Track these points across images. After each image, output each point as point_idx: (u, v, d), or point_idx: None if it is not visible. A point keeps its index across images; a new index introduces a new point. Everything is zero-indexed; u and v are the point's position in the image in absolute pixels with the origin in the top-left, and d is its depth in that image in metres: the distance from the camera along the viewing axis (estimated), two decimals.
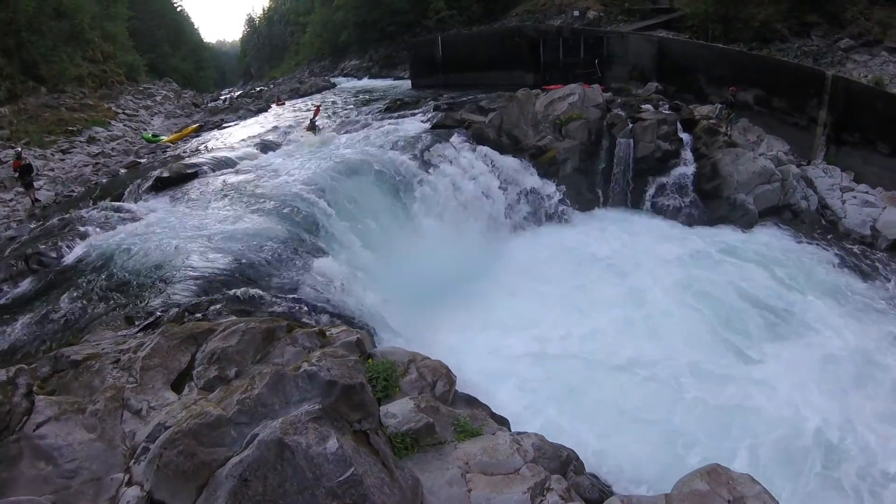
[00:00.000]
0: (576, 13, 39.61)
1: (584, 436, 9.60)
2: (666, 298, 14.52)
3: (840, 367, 12.09)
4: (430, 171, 17.35)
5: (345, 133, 21.93)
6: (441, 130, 20.29)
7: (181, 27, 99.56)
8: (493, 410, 7.99)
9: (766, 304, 14.40)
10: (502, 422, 7.72)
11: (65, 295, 9.70)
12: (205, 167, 17.16)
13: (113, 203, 14.51)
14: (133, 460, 4.88)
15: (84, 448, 4.97)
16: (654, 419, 10.45)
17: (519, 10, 46.73)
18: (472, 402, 7.75)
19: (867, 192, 19.89)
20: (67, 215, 13.71)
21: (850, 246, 17.87)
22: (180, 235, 11.60)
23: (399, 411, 5.83)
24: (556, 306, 13.97)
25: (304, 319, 9.02)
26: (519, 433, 6.78)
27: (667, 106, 23.29)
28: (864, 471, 9.66)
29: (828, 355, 12.48)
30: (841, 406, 10.98)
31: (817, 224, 19.28)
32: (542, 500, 5.35)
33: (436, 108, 24.70)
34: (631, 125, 20.85)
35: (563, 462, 6.53)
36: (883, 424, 10.58)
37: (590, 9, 39.38)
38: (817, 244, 17.95)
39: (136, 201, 14.90)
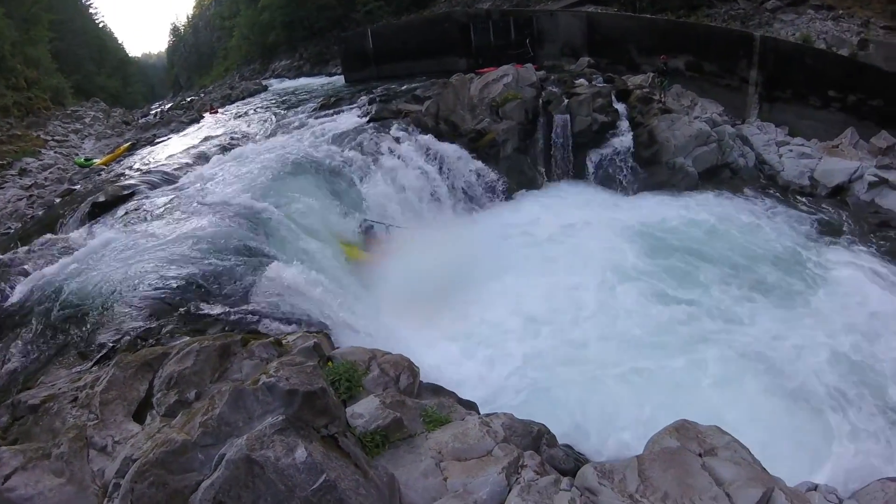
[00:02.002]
0: None
1: (556, 408, 9.76)
2: (630, 265, 14.92)
3: None
4: (372, 164, 17.32)
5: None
6: (378, 123, 20.24)
7: (104, 44, 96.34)
8: (461, 396, 8.07)
9: (728, 259, 15.11)
10: (471, 406, 7.81)
11: (13, 338, 9.31)
12: (141, 186, 16.58)
13: (51, 235, 14.01)
14: (106, 499, 4.80)
15: (55, 494, 4.90)
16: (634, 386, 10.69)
17: None
18: (438, 391, 7.82)
19: (803, 145, 20.67)
20: (5, 255, 13.21)
21: (793, 198, 18.61)
22: (124, 260, 11.20)
23: (365, 410, 5.87)
24: (511, 286, 14.10)
25: (259, 330, 8.93)
26: (488, 415, 6.89)
27: (600, 79, 23.76)
28: None
29: None
30: None
31: (756, 180, 19.94)
32: (517, 478, 5.47)
33: (371, 101, 24.60)
34: (566, 101, 21.13)
35: (535, 437, 6.68)
36: None
37: None
38: (761, 199, 18.65)
39: (74, 230, 14.41)
